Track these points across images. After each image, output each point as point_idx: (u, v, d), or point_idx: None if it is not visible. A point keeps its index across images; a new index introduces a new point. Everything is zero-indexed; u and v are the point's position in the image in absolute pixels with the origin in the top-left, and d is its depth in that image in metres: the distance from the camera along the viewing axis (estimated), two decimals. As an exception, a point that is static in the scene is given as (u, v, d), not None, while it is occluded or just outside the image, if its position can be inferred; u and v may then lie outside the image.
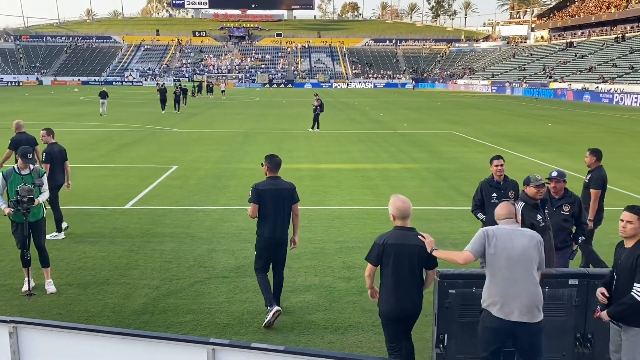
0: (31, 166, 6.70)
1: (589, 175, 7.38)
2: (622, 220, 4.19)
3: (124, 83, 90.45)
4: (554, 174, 6.08)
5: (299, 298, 6.67)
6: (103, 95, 32.54)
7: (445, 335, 4.85)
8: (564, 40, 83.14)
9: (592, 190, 7.23)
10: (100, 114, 32.03)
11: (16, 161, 6.77)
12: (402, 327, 4.77)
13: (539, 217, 5.53)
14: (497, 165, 6.88)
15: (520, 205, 5.51)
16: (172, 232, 9.29)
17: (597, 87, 56.49)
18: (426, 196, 12.29)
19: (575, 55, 73.10)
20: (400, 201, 4.92)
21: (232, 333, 5.74)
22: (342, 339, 5.68)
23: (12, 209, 6.41)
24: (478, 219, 6.93)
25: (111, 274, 7.39)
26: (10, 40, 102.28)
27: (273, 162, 6.33)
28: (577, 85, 60.00)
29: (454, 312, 4.86)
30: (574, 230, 6.21)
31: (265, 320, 5.87)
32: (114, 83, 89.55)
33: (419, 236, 4.78)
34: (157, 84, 47.93)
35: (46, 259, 6.85)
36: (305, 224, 9.95)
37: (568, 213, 6.02)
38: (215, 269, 7.62)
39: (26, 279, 6.63)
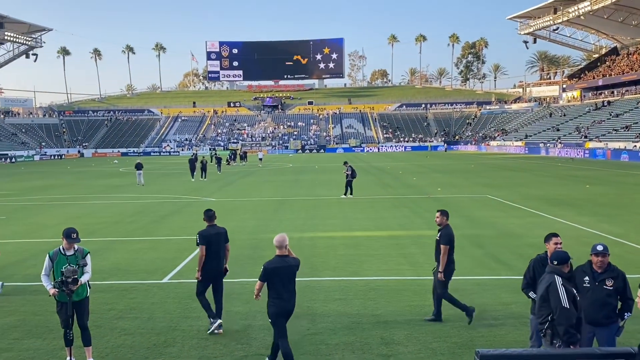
0: (75, 247, 6.94)
1: (440, 233, 8.58)
2: None
3: (162, 153, 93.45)
4: (600, 247, 5.91)
5: (337, 377, 6.56)
6: (138, 166, 34.28)
7: (489, 420, 4.67)
8: (597, 100, 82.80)
9: (442, 246, 8.39)
10: (137, 184, 33.36)
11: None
12: (285, 321, 6.64)
13: (574, 291, 5.42)
14: (556, 244, 6.41)
15: (558, 280, 5.39)
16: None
17: (635, 145, 55.56)
18: (463, 265, 12.06)
19: (610, 114, 72.50)
20: (277, 236, 6.81)
21: (270, 416, 5.65)
22: (382, 423, 5.53)
23: (57, 290, 6.60)
24: (529, 297, 6.60)
25: (150, 352, 7.43)
26: (54, 116, 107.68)
27: (208, 215, 8.55)
28: (614, 145, 59.16)
29: (498, 396, 4.69)
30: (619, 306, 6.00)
31: (209, 330, 8.05)
32: (152, 153, 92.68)
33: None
34: (193, 154, 49.66)
35: (88, 338, 6.97)
36: (341, 296, 9.91)
37: (611, 288, 5.84)
38: (252, 347, 7.59)
39: (68, 357, 6.73)
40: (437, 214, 8.75)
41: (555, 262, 5.49)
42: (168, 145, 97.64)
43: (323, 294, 10.04)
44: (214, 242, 8.20)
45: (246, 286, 10.61)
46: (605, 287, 5.84)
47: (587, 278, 5.95)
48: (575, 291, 5.39)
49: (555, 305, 5.23)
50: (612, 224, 16.70)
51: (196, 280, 8.31)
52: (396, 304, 9.38)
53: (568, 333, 5.16)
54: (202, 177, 37.46)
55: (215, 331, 8.06)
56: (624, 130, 63.39)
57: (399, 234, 15.96)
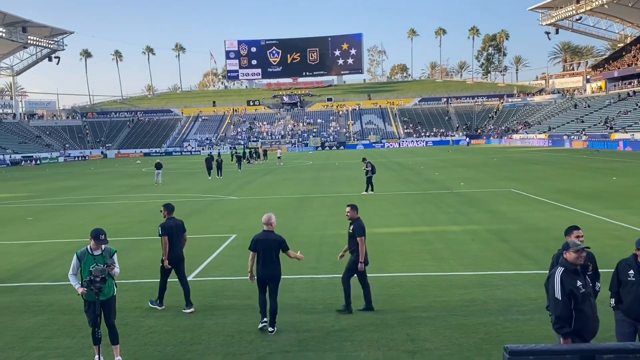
0: (103, 247, 7.01)
1: (352, 227, 9.03)
2: None
3: (183, 153, 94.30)
4: None
5: (364, 374, 6.53)
6: (158, 166, 35.24)
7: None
8: (622, 90, 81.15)
9: (358, 238, 8.79)
10: (155, 183, 34.19)
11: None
12: (264, 285, 8.11)
13: (579, 283, 5.34)
14: (577, 237, 6.26)
15: (559, 270, 5.36)
16: (233, 304, 9.38)
17: (662, 135, 54.33)
18: (489, 260, 11.95)
19: (637, 105, 71.01)
20: (265, 215, 8.56)
21: (297, 413, 5.65)
22: (410, 420, 5.48)
23: (85, 289, 6.69)
24: None
25: (177, 349, 7.49)
26: (77, 118, 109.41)
27: (168, 208, 9.60)
28: (640, 135, 57.95)
29: (528, 392, 4.60)
30: None
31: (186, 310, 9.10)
32: (174, 153, 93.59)
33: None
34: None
35: (116, 336, 7.05)
36: (366, 293, 9.85)
37: None
38: (277, 343, 7.60)
39: (97, 356, 6.81)
40: (348, 209, 9.16)
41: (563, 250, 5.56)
42: (189, 145, 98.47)
43: (347, 291, 9.98)
44: (174, 233, 9.26)
45: (270, 283, 10.63)
46: None
47: (632, 272, 5.77)
48: (581, 284, 5.32)
49: (549, 294, 5.45)
50: (640, 217, 16.34)
51: (164, 267, 9.32)
52: (421, 300, 9.31)
53: (557, 323, 5.32)
54: (218, 176, 38.27)
55: (187, 310, 9.10)
56: (651, 121, 62.01)
57: (422, 230, 15.83)
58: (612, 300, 5.97)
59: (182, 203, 24.37)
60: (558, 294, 5.31)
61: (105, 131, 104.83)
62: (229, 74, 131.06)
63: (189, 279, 11.15)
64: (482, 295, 9.41)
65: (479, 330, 7.76)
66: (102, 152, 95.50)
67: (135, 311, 9.27)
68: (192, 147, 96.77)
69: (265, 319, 8.13)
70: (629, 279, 5.76)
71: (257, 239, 8.20)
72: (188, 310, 9.11)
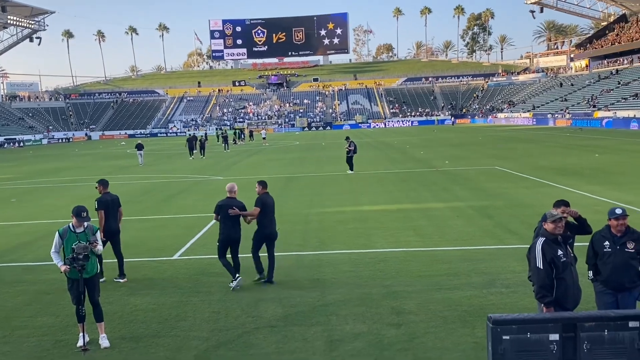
0: (85, 224, 6.95)
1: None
2: None
3: (169, 134, 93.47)
4: (618, 211, 5.80)
5: (349, 347, 6.58)
6: (139, 147, 35.34)
7: (502, 384, 4.66)
8: (606, 69, 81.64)
9: (254, 207, 9.41)
10: (140, 164, 34.06)
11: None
12: (226, 246, 9.05)
13: (559, 252, 5.41)
14: (564, 212, 6.13)
15: (540, 240, 5.43)
16: (219, 282, 9.38)
17: (644, 113, 54.91)
18: (473, 236, 12.07)
19: (619, 83, 71.54)
20: (228, 184, 9.53)
21: (282, 385, 5.69)
22: (394, 389, 5.55)
23: (68, 266, 6.63)
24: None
25: (162, 326, 7.49)
26: (60, 99, 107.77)
27: (104, 183, 9.99)
28: (623, 113, 58.49)
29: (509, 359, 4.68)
30: None
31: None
32: (159, 135, 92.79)
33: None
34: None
35: (100, 314, 7.02)
36: (351, 268, 9.92)
37: (633, 250, 5.75)
38: (263, 318, 7.63)
39: (81, 334, 6.79)
40: (257, 185, 9.76)
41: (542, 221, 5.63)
42: (174, 126, 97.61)
43: (332, 267, 10.05)
44: (110, 207, 9.72)
45: (256, 261, 10.65)
46: (626, 250, 5.75)
47: (607, 243, 5.84)
48: (562, 253, 5.39)
49: (531, 264, 5.51)
50: (623, 192, 16.56)
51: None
52: (406, 275, 9.38)
53: (539, 292, 5.40)
54: (201, 155, 38.80)
55: (120, 280, 9.65)
56: (633, 99, 62.59)
57: (407, 207, 15.92)
58: (590, 273, 6.05)
59: (167, 184, 24.24)
60: (539, 264, 5.38)
61: (89, 113, 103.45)
62: (213, 54, 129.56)
63: (174, 257, 11.20)
64: (466, 269, 9.51)
65: (463, 303, 7.85)
66: (86, 134, 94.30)
67: (121, 290, 9.24)
68: (178, 129, 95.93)
69: (238, 275, 9.01)
70: (604, 250, 5.84)
71: (220, 205, 9.10)
72: (121, 280, 9.65)
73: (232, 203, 9.08)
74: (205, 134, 51.15)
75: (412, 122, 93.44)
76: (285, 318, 7.63)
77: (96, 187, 10.06)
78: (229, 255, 9.11)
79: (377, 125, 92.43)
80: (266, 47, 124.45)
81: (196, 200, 19.09)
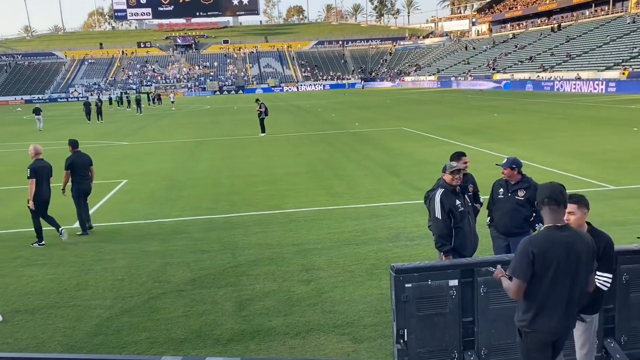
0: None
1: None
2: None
3: (70, 99, 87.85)
4: (503, 162, 6.20)
5: (258, 305, 6.56)
6: (37, 111, 33.86)
7: (405, 330, 4.83)
8: (504, 33, 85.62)
9: (65, 171, 10.17)
10: (39, 130, 32.33)
11: None
12: (45, 207, 9.56)
13: (457, 202, 5.65)
14: (465, 162, 6.32)
15: (439, 191, 5.62)
16: (123, 249, 9.02)
17: (538, 76, 58.40)
18: (382, 193, 12.37)
19: (516, 47, 75.34)
20: (31, 147, 9.73)
21: (190, 348, 5.59)
22: (303, 344, 5.61)
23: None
24: None
25: (61, 296, 7.10)
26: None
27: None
28: (520, 75, 61.86)
29: (412, 307, 4.84)
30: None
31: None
32: (59, 100, 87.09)
33: None
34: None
35: (-11, 287, 6.56)
36: (262, 229, 9.87)
37: (523, 198, 6.08)
38: (171, 283, 7.43)
39: (-32, 309, 6.30)
40: (68, 145, 10.47)
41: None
42: (75, 90, 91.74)
43: (243, 229, 9.95)
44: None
45: (163, 226, 10.35)
46: (517, 197, 6.08)
47: (501, 190, 6.20)
48: (460, 203, 5.62)
49: (430, 215, 5.74)
50: (519, 148, 17.59)
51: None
52: (316, 233, 9.47)
53: (438, 242, 5.66)
54: (98, 120, 38.76)
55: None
56: (528, 62, 66.27)
57: (319, 168, 16.03)
58: (488, 219, 6.39)
59: (67, 151, 22.83)
60: (438, 214, 5.57)
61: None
62: (116, 14, 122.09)
63: (75, 225, 10.63)
64: (373, 225, 9.74)
65: (370, 257, 8.05)
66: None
67: (15, 261, 8.64)
68: (79, 93, 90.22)
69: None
70: (499, 196, 6.22)
71: (35, 167, 9.38)
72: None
73: (45, 163, 9.59)
74: (99, 98, 50.51)
75: (324, 85, 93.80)
76: (193, 281, 7.47)
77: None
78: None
79: (290, 89, 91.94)
80: (172, 6, 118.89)
81: (98, 166, 18.07)
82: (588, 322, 4.20)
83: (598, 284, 4.04)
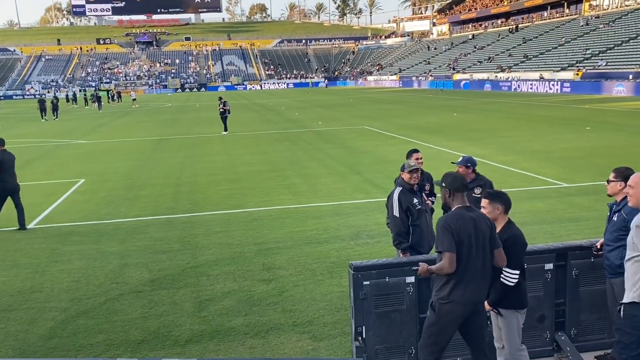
0: None
1: None
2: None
3: (26, 97, 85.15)
4: (459, 160, 6.33)
5: (218, 305, 6.52)
6: None
7: (363, 327, 4.89)
8: (464, 34, 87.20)
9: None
10: None
11: None
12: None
13: (415, 200, 5.74)
14: (417, 159, 6.47)
15: (397, 190, 5.72)
16: (80, 250, 8.81)
17: (497, 76, 59.71)
18: (343, 191, 12.45)
19: (475, 47, 76.83)
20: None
21: (147, 349, 5.51)
22: (263, 343, 5.61)
23: None
24: None
25: (14, 299, 6.89)
26: None
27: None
28: (478, 76, 63.12)
29: (370, 303, 4.90)
30: None
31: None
32: (14, 97, 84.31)
33: None
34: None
35: (-64, 291, 6.34)
36: (223, 229, 9.81)
37: (479, 195, 6.22)
38: (128, 284, 7.31)
39: None
40: None
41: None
42: (32, 87, 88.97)
43: (204, 228, 9.86)
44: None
45: (121, 227, 10.16)
46: (473, 195, 6.21)
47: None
48: (417, 201, 5.73)
49: (389, 213, 5.81)
50: (477, 147, 17.95)
51: None
52: (278, 232, 9.46)
53: (396, 239, 5.73)
54: (54, 117, 38.47)
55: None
56: (487, 62, 67.68)
57: (281, 167, 16.01)
58: None
59: (25, 149, 22.20)
60: (396, 212, 5.64)
61: None
62: (74, 9, 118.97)
63: (29, 226, 10.35)
64: (335, 223, 9.80)
65: (331, 255, 8.10)
66: None
67: (-35, 264, 8.35)
68: (36, 90, 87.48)
69: None
70: None
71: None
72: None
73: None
74: (55, 95, 50.22)
75: (288, 84, 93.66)
76: (152, 282, 7.37)
77: None
78: None
79: (253, 87, 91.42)
80: (133, 3, 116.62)
81: (54, 165, 17.70)
82: (504, 315, 4.37)
83: (503, 280, 4.27)
